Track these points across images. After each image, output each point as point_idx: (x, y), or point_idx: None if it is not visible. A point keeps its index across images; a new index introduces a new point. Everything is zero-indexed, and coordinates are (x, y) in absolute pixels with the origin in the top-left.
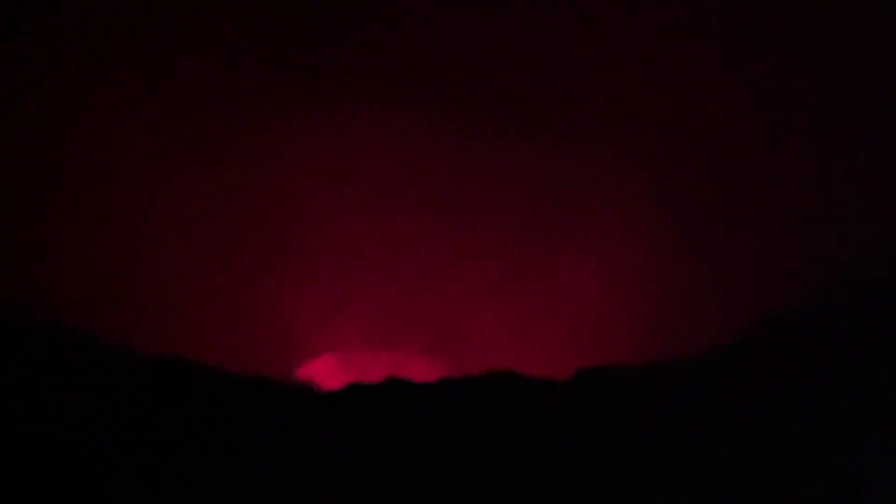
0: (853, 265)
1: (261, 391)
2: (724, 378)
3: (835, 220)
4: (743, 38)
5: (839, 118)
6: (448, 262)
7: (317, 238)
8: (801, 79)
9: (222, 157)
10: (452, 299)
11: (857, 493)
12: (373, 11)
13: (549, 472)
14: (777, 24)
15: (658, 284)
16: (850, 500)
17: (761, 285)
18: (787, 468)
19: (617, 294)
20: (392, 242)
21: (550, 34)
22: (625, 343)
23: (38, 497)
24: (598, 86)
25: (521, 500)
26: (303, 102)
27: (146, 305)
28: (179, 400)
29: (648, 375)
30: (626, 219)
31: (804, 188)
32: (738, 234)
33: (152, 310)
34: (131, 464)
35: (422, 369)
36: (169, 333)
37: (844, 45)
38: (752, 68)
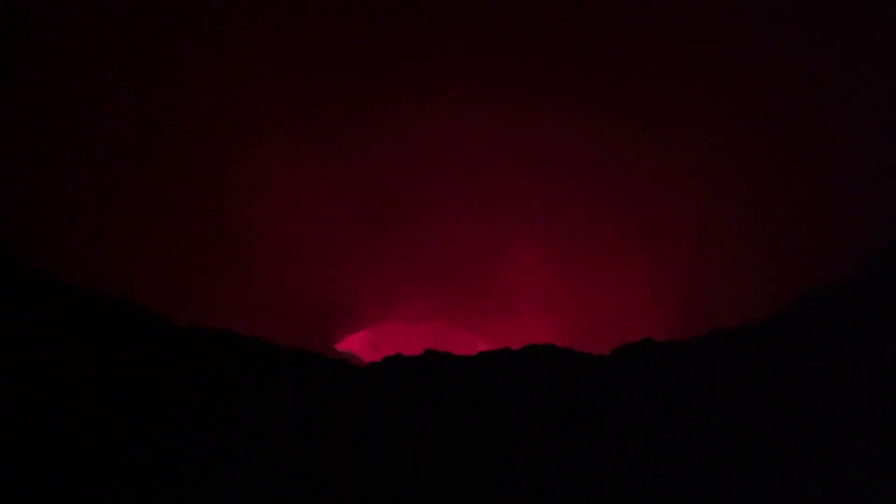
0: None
1: (302, 363)
2: (761, 353)
3: (881, 200)
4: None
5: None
6: (497, 242)
7: (365, 217)
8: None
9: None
10: (498, 276)
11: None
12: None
13: (588, 443)
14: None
15: (702, 266)
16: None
17: (803, 264)
18: (824, 444)
19: (662, 276)
20: (439, 222)
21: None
22: (666, 322)
23: (98, 457)
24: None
25: (558, 471)
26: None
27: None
28: (227, 370)
29: (688, 350)
30: (678, 209)
31: (848, 168)
32: (782, 215)
33: (214, 284)
34: (177, 430)
35: (462, 342)
36: (217, 305)
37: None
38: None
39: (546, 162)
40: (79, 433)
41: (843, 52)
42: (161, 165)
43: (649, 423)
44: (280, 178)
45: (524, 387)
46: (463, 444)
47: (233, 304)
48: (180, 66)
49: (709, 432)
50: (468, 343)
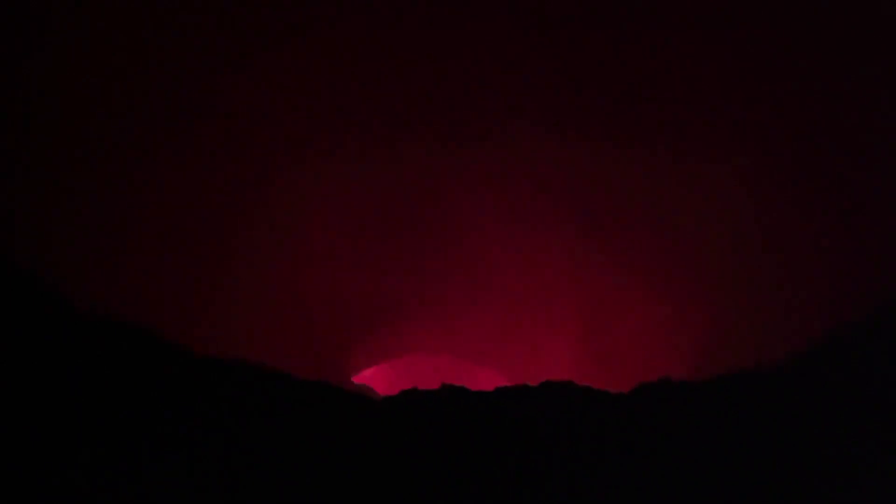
0: None
1: (318, 395)
2: (782, 394)
3: None
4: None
5: None
6: (515, 274)
7: (377, 248)
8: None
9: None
10: (517, 310)
11: None
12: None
13: (604, 482)
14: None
15: (721, 303)
16: None
17: (822, 303)
18: (842, 488)
19: (682, 313)
20: (458, 254)
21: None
22: (687, 360)
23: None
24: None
25: None
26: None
27: (229, 309)
28: (239, 402)
29: (706, 390)
30: (695, 244)
31: (871, 205)
32: (801, 253)
33: (230, 313)
34: (190, 461)
35: (480, 378)
36: (234, 335)
37: None
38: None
39: (576, 203)
40: (81, 471)
41: (866, 90)
42: (183, 188)
43: (667, 463)
44: (309, 209)
45: (541, 423)
46: (478, 479)
47: (250, 333)
48: (213, 87)
49: (726, 474)
50: (486, 378)
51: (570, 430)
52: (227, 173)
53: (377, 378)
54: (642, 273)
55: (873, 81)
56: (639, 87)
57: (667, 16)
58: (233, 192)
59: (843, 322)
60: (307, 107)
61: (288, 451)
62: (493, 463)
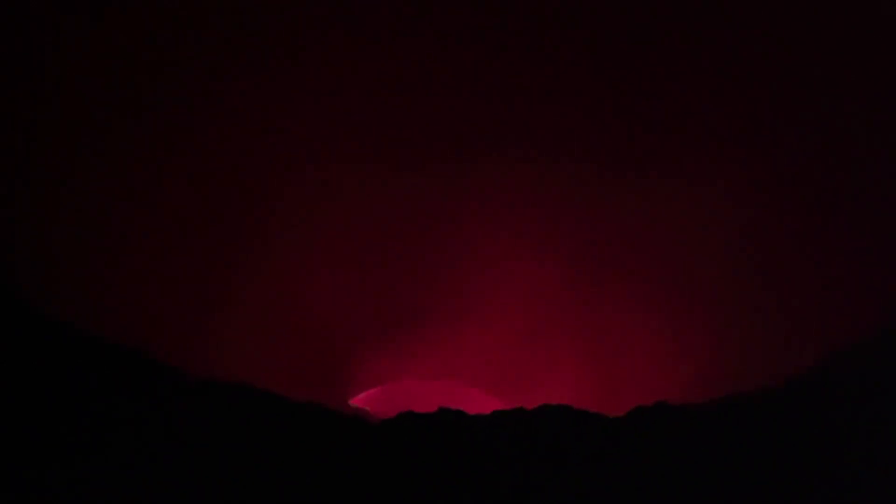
0: None
1: (316, 419)
2: (778, 417)
3: None
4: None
5: None
6: (514, 299)
7: (386, 270)
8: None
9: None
10: (515, 334)
11: None
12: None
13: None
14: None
15: (720, 328)
16: None
17: (824, 326)
18: None
19: (682, 337)
20: (457, 279)
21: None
22: (686, 384)
23: None
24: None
25: None
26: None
27: (225, 332)
28: (238, 424)
29: (702, 414)
30: (691, 270)
31: (871, 229)
32: (801, 278)
33: (227, 336)
34: (187, 484)
35: (477, 401)
36: (231, 358)
37: None
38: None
39: (577, 231)
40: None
41: (855, 112)
42: (184, 211)
43: (662, 487)
44: (310, 233)
45: (537, 447)
46: (476, 501)
47: (247, 356)
48: (214, 106)
49: (721, 496)
50: (482, 401)
51: (565, 453)
52: (227, 197)
53: (374, 401)
54: (642, 298)
55: (857, 100)
56: (637, 114)
57: (663, 53)
58: (232, 216)
59: (840, 346)
60: (312, 125)
61: (282, 473)
62: (489, 485)
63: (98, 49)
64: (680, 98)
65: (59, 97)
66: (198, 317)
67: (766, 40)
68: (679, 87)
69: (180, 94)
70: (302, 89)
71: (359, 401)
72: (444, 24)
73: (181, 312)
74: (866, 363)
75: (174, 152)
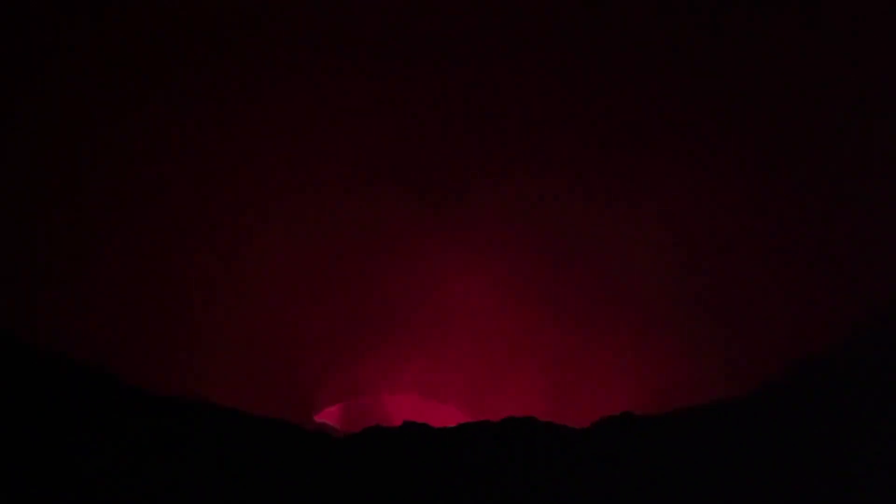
0: (882, 312)
1: (279, 434)
2: (742, 426)
3: (865, 263)
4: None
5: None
6: (478, 316)
7: (344, 288)
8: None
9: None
10: (481, 350)
11: None
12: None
13: None
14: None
15: (681, 342)
16: None
17: (785, 335)
18: None
19: (641, 351)
20: (422, 295)
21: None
22: (647, 394)
23: None
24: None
25: None
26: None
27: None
28: (202, 442)
29: (667, 423)
30: (651, 284)
31: (832, 232)
32: (758, 290)
33: (192, 355)
34: (147, 501)
35: (443, 415)
36: (197, 376)
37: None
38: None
39: (534, 249)
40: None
41: (805, 124)
42: (153, 234)
43: (629, 495)
44: (278, 256)
45: (504, 459)
46: None
47: (216, 373)
48: (182, 132)
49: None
50: (448, 415)
51: (532, 464)
52: (196, 219)
53: (340, 416)
54: (602, 315)
55: (798, 107)
56: (591, 136)
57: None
58: (200, 238)
59: (800, 355)
60: (283, 151)
61: (242, 488)
62: (456, 498)
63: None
64: (628, 116)
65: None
66: (165, 337)
67: (707, 61)
68: (626, 104)
69: (151, 122)
70: (275, 118)
71: (324, 416)
72: (414, 51)
73: (148, 332)
74: (827, 371)
75: (141, 177)
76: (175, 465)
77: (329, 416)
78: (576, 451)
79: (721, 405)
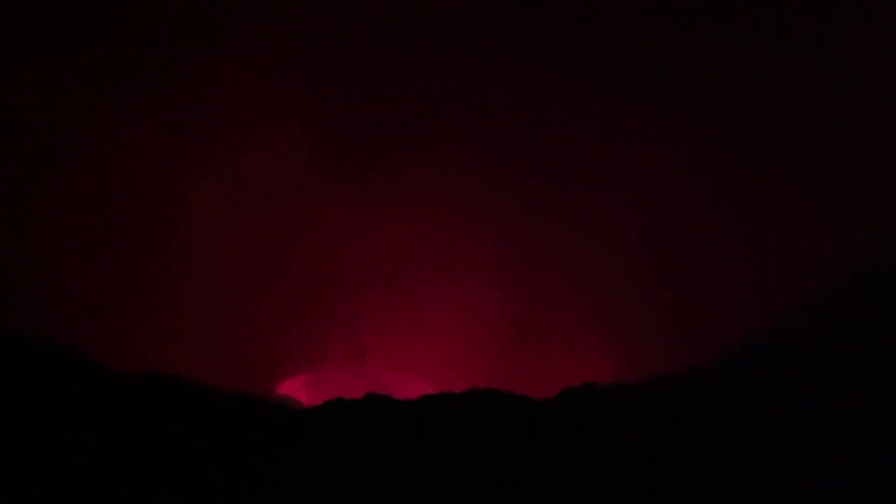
0: (846, 274)
1: (243, 407)
2: (700, 394)
3: (829, 228)
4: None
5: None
6: (442, 288)
7: (305, 258)
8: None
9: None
10: (440, 321)
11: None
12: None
13: (529, 487)
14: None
15: (640, 310)
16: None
17: (737, 312)
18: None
19: (594, 330)
20: (379, 265)
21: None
22: (604, 370)
23: None
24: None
25: None
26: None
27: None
28: (167, 415)
29: (631, 393)
30: (599, 268)
31: (795, 198)
32: (700, 278)
33: (155, 330)
34: (121, 476)
35: (405, 386)
36: (161, 351)
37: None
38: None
39: (495, 230)
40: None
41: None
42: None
43: (588, 462)
44: (235, 228)
45: (466, 429)
46: (403, 486)
47: (179, 348)
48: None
49: (644, 475)
50: (410, 386)
51: (496, 434)
52: (148, 196)
53: (303, 388)
54: (557, 296)
55: (754, 106)
56: (549, 128)
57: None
58: (156, 215)
59: (737, 341)
60: (237, 110)
61: (206, 460)
62: (420, 467)
63: None
64: (583, 111)
65: None
66: (131, 314)
67: (661, 55)
68: (583, 98)
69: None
70: (216, 86)
71: (287, 388)
72: (363, 27)
73: (114, 309)
74: (776, 344)
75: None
76: (141, 439)
77: (292, 388)
78: (538, 420)
79: (678, 375)
